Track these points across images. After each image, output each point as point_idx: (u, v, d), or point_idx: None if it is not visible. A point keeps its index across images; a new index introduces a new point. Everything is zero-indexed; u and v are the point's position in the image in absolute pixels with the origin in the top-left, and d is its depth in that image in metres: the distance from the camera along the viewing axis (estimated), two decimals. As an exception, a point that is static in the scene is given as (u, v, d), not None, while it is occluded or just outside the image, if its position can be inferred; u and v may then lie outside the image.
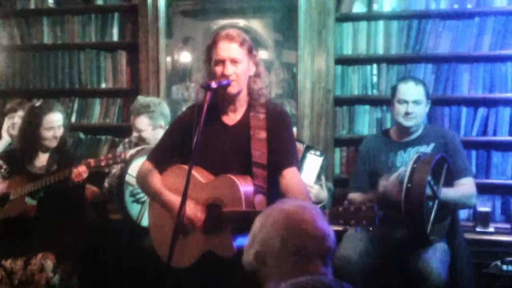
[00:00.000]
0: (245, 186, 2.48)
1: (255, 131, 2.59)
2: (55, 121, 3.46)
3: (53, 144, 3.48)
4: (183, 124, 2.69)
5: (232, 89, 2.56)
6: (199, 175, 2.62)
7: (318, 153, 3.60)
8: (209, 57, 2.61)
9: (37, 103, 3.55)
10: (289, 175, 2.53)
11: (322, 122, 4.15)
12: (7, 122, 4.18)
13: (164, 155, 2.75)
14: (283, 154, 2.57)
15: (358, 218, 2.15)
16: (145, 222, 3.44)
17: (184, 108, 5.17)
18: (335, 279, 1.59)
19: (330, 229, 1.72)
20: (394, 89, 3.42)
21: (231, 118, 2.67)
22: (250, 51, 2.61)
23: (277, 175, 2.54)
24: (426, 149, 3.31)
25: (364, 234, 3.21)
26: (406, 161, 3.30)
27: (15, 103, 4.32)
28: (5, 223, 3.36)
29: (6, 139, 4.10)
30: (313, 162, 3.55)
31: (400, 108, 3.33)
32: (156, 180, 2.72)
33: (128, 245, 3.53)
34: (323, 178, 3.55)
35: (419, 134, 3.38)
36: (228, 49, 2.54)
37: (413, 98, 3.31)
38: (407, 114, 3.30)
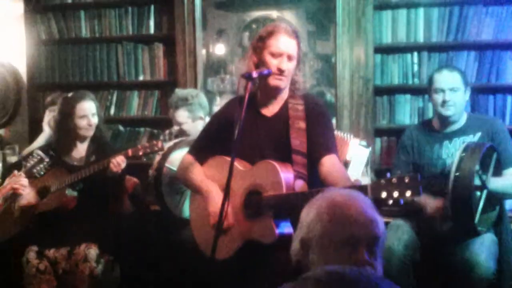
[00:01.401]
0: (285, 171, 2.48)
1: (294, 121, 2.58)
2: (87, 109, 3.45)
3: (89, 133, 3.49)
4: (223, 117, 2.71)
5: (282, 84, 2.58)
6: (239, 164, 2.62)
7: (364, 144, 3.54)
8: (261, 47, 2.58)
9: (69, 94, 3.57)
10: (328, 162, 2.51)
11: (362, 112, 4.10)
12: (47, 115, 4.23)
13: (205, 148, 2.78)
14: (322, 142, 2.56)
15: (401, 189, 2.06)
16: (183, 213, 3.46)
17: (218, 100, 5.22)
18: (381, 276, 1.50)
19: (378, 217, 1.66)
20: (430, 80, 3.37)
21: (270, 110, 2.68)
22: (299, 48, 2.62)
23: (317, 162, 2.53)
24: (473, 138, 3.23)
25: (409, 225, 3.16)
26: (452, 152, 3.23)
27: (55, 96, 4.36)
28: (47, 214, 3.37)
29: (47, 131, 4.15)
30: (360, 154, 3.48)
31: (438, 98, 3.26)
32: (197, 172, 2.75)
33: (167, 236, 3.53)
34: (369, 170, 3.47)
35: (463, 123, 3.30)
36: (288, 44, 2.55)
37: (449, 85, 3.23)
38: (444, 102, 3.22)
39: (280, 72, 2.52)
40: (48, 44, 4.88)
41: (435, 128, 3.37)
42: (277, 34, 2.55)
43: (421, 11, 4.04)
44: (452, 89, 3.22)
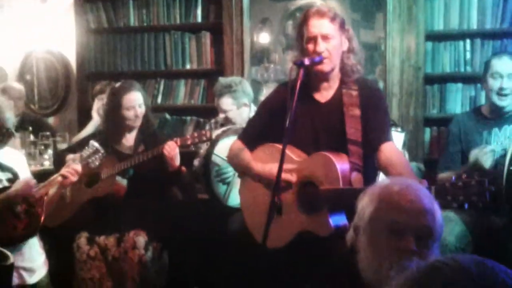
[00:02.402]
0: (341, 164, 2.43)
1: (349, 108, 2.53)
2: (134, 100, 3.47)
3: (136, 123, 3.51)
4: (274, 102, 2.67)
5: (324, 67, 2.52)
6: (292, 153, 2.58)
7: (399, 129, 3.48)
8: (301, 35, 2.57)
9: (116, 85, 3.59)
10: (387, 149, 2.46)
11: (412, 101, 4.02)
12: (96, 104, 4.29)
13: (255, 134, 2.75)
14: (379, 129, 2.51)
15: (467, 194, 1.99)
16: (231, 201, 3.45)
17: (264, 89, 5.19)
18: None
19: (435, 209, 1.59)
20: (487, 64, 3.25)
21: (323, 96, 2.62)
22: (342, 26, 2.55)
23: (373, 151, 2.48)
24: None
25: (460, 217, 3.06)
26: (501, 140, 3.13)
27: (104, 85, 4.42)
28: (97, 201, 3.41)
29: (96, 119, 4.21)
30: (395, 138, 3.43)
31: (494, 84, 3.14)
32: (247, 156, 2.72)
33: (214, 224, 3.49)
34: (406, 153, 3.41)
35: None
36: (319, 25, 2.49)
37: (508, 71, 3.11)
38: (501, 89, 3.11)
39: (318, 54, 2.47)
40: (97, 33, 4.93)
41: (485, 114, 3.26)
42: (308, 19, 2.52)
43: (474, -4, 3.93)
44: (510, 76, 3.10)
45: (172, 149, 3.24)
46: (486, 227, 3.00)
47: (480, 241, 3.01)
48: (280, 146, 2.34)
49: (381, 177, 2.68)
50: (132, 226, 3.30)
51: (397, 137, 3.41)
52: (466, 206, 2.04)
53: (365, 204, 1.63)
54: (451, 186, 2.04)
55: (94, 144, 3.21)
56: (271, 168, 2.54)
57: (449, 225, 3.00)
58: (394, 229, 1.54)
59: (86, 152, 3.19)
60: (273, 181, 2.36)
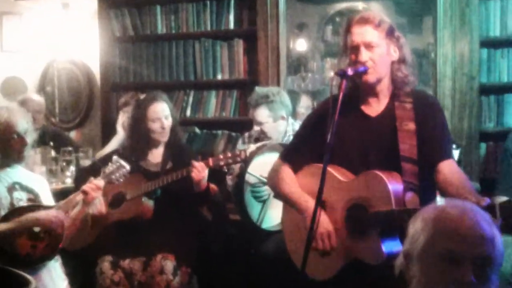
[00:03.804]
0: (394, 183, 2.39)
1: (402, 123, 2.49)
2: (160, 111, 3.51)
3: (164, 137, 3.54)
4: (319, 117, 2.64)
5: (369, 77, 2.49)
6: (338, 173, 2.55)
7: (454, 145, 3.44)
8: (345, 44, 2.56)
9: (141, 96, 3.65)
10: (446, 168, 2.43)
11: (465, 113, 4.00)
12: (121, 117, 4.33)
13: (298, 154, 2.72)
14: (437, 146, 2.48)
15: None
16: (266, 224, 3.47)
17: (301, 101, 5.19)
18: None
19: (496, 235, 1.58)
20: None
21: (374, 109, 2.58)
22: (390, 33, 2.52)
23: (431, 170, 2.45)
24: None
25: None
26: None
27: (129, 96, 4.47)
28: (123, 223, 3.44)
29: (121, 134, 4.24)
30: None
31: None
32: (289, 181, 2.70)
33: (248, 248, 3.55)
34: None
35: None
36: (362, 33, 2.48)
37: None
38: None
39: (362, 64, 2.45)
40: (122, 41, 5.00)
41: None
42: (350, 26, 2.51)
43: (535, -2, 3.90)
44: None
45: (201, 172, 3.26)
46: None
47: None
48: (328, 167, 2.32)
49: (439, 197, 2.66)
50: (159, 250, 3.32)
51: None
52: None
53: (418, 229, 1.62)
54: None
55: (118, 160, 3.25)
56: (307, 202, 2.56)
57: (507, 251, 2.97)
58: (451, 258, 1.54)
59: (109, 168, 3.22)
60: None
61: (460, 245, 1.54)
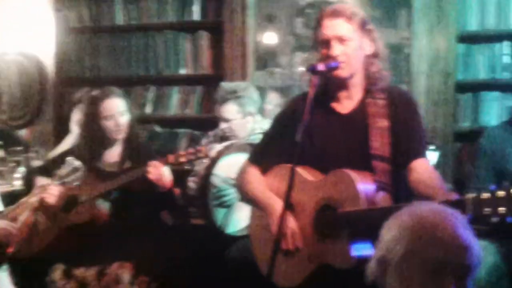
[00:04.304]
0: (363, 182, 2.40)
1: (375, 120, 2.51)
2: (114, 108, 3.46)
3: (119, 135, 3.50)
4: (288, 116, 2.67)
5: (342, 73, 2.50)
6: (307, 174, 2.56)
7: (432, 147, 3.46)
8: (316, 38, 2.57)
9: (94, 92, 3.62)
10: (419, 166, 2.45)
11: (440, 112, 4.05)
12: (76, 114, 4.26)
13: (267, 154, 2.74)
14: (410, 143, 2.50)
15: (510, 204, 1.95)
16: (231, 229, 3.46)
17: (268, 97, 5.18)
18: None
19: (474, 242, 1.59)
20: None
21: (345, 106, 2.60)
22: (362, 26, 2.53)
23: (403, 168, 2.46)
24: None
25: (494, 246, 3.03)
26: None
27: (85, 92, 4.39)
28: (75, 229, 3.38)
29: (75, 132, 4.18)
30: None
31: None
32: (257, 183, 2.72)
33: (211, 254, 3.48)
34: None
35: None
36: (333, 26, 2.49)
37: None
38: None
39: (334, 59, 2.47)
40: (78, 32, 4.95)
41: None
42: (321, 20, 2.53)
43: (514, -8, 3.97)
44: None
45: (157, 170, 3.22)
46: None
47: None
48: (298, 168, 2.34)
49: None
50: (115, 257, 3.28)
51: (430, 156, 3.37)
52: (509, 219, 1.99)
53: (396, 236, 1.61)
54: (489, 196, 2.00)
55: (72, 161, 3.19)
56: (274, 204, 2.57)
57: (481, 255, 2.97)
58: (432, 269, 1.55)
59: (63, 170, 3.16)
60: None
61: (442, 254, 1.54)
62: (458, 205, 2.04)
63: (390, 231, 1.64)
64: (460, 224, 1.59)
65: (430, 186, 2.33)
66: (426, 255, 1.55)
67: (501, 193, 1.98)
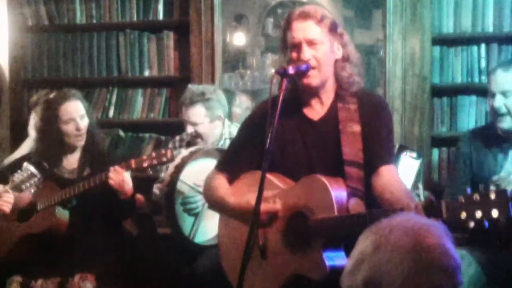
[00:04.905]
0: (336, 189, 2.42)
1: (346, 125, 2.55)
2: (73, 111, 3.45)
3: (80, 140, 3.49)
4: (257, 121, 2.67)
5: (312, 80, 2.53)
6: (278, 181, 2.59)
7: (414, 155, 3.50)
8: (285, 43, 2.59)
9: (51, 95, 3.60)
10: (386, 173, 2.48)
11: (416, 117, 4.07)
12: (34, 118, 4.20)
13: (236, 161, 2.75)
14: (380, 149, 2.53)
15: (486, 208, 2.00)
16: (199, 238, 3.47)
17: (237, 100, 5.19)
18: None
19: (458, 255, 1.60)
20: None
21: (316, 112, 2.63)
22: (332, 29, 2.56)
23: (371, 173, 2.49)
24: None
25: (473, 256, 3.09)
26: None
27: (43, 94, 4.35)
28: (33, 238, 3.37)
29: (33, 137, 4.11)
30: (408, 166, 3.47)
31: (488, 104, 3.23)
32: (228, 192, 2.71)
33: (178, 265, 3.53)
34: (420, 186, 3.43)
35: None
36: (304, 29, 2.52)
37: (500, 89, 3.12)
38: (495, 110, 3.13)
39: (304, 62, 2.49)
40: (35, 31, 4.89)
41: (499, 133, 3.24)
42: (290, 22, 2.55)
43: (490, -6, 4.02)
44: (505, 94, 3.12)
45: (118, 176, 3.21)
46: (505, 267, 3.02)
47: (500, 283, 3.03)
48: (267, 175, 2.33)
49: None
50: (76, 268, 3.27)
51: (411, 165, 3.42)
52: (486, 224, 2.04)
53: (391, 257, 1.56)
54: (466, 200, 2.04)
55: (29, 167, 3.17)
56: (248, 199, 2.53)
57: (462, 266, 3.00)
58: None
59: (18, 176, 3.15)
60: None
61: (441, 278, 1.54)
62: (434, 209, 2.10)
63: (380, 248, 1.59)
64: (448, 240, 1.60)
65: (395, 194, 2.36)
66: (426, 279, 1.54)
67: (477, 197, 2.02)
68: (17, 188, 3.12)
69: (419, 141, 4.04)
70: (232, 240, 2.68)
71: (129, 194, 3.30)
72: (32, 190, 3.16)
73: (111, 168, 3.23)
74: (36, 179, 3.17)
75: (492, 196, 2.00)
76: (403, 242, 1.57)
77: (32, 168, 3.16)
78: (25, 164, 3.22)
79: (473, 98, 4.04)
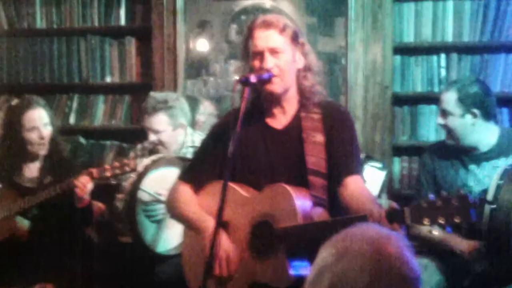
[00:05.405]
0: (300, 198, 2.45)
1: (309, 134, 2.57)
2: (37, 119, 3.46)
3: (42, 149, 3.50)
4: (221, 130, 2.69)
5: (275, 87, 2.55)
6: (242, 190, 2.60)
7: (379, 165, 3.54)
8: (247, 51, 2.61)
9: (14, 102, 3.59)
10: (352, 184, 2.50)
11: (378, 125, 4.14)
12: (-8, 125, 4.20)
13: (199, 170, 2.75)
14: (344, 159, 2.55)
15: (448, 213, 2.05)
16: (161, 247, 3.46)
17: (200, 107, 5.22)
18: None
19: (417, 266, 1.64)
20: None
21: (279, 121, 2.65)
22: (294, 39, 2.59)
23: (337, 184, 2.52)
24: (506, 161, 3.20)
25: (435, 264, 3.18)
26: (480, 178, 3.23)
27: (2, 101, 4.34)
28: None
29: (-10, 144, 4.12)
30: (373, 177, 3.50)
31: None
32: (188, 201, 2.72)
33: (140, 274, 3.52)
34: (384, 196, 3.48)
35: (494, 143, 3.27)
36: (266, 38, 2.53)
37: (442, 106, 3.25)
38: (441, 126, 3.27)
39: (266, 70, 2.50)
40: (-6, 36, 4.84)
41: (460, 149, 3.31)
42: (252, 30, 2.57)
43: (450, 4, 4.09)
44: (444, 112, 3.23)
45: (85, 185, 3.24)
46: (469, 274, 3.09)
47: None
48: (232, 185, 2.38)
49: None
50: (36, 277, 3.27)
51: (375, 176, 3.46)
52: (448, 230, 2.11)
53: (354, 266, 1.58)
54: (429, 206, 2.08)
55: None
56: (206, 221, 2.58)
57: (425, 275, 3.10)
58: None
59: None
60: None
61: (401, 287, 1.55)
62: (398, 215, 2.16)
63: (343, 258, 1.60)
64: (408, 250, 1.58)
65: (362, 203, 2.39)
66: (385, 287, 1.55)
67: (439, 202, 2.07)
68: None
69: (381, 150, 4.09)
70: (194, 249, 2.69)
71: (86, 203, 3.33)
72: None
73: (79, 179, 3.23)
74: None
75: (455, 202, 2.05)
76: (363, 250, 1.59)
77: None
78: None
79: (433, 107, 4.03)
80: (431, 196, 2.13)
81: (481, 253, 2.97)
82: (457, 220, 2.05)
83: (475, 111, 3.19)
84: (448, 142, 3.28)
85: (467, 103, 3.19)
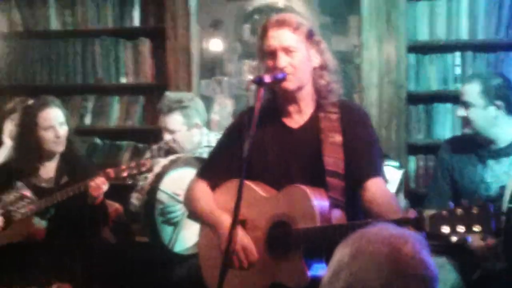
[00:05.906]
0: (319, 199, 2.44)
1: (328, 134, 2.54)
2: (52, 118, 3.48)
3: (58, 148, 3.51)
4: (237, 130, 2.69)
5: (289, 85, 2.53)
6: (260, 189, 2.60)
7: (396, 164, 3.52)
8: (261, 49, 2.60)
9: (30, 102, 3.60)
10: (373, 187, 2.48)
11: (393, 124, 4.14)
12: (8, 126, 4.21)
13: (216, 169, 2.74)
14: (364, 162, 2.52)
15: (469, 223, 2.03)
16: (178, 247, 3.48)
17: (215, 107, 5.24)
18: None
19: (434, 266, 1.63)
20: None
21: (295, 121, 2.63)
22: (309, 37, 2.58)
23: (357, 187, 2.51)
24: None
25: (452, 264, 3.18)
26: (498, 174, 3.22)
27: (18, 102, 4.34)
28: (10, 249, 3.37)
29: (8, 145, 4.11)
30: (390, 176, 3.44)
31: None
32: (205, 199, 2.72)
33: (158, 274, 3.53)
34: (401, 196, 3.48)
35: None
36: (279, 36, 2.52)
37: (463, 98, 3.24)
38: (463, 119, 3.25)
39: (280, 70, 2.49)
40: (9, 38, 4.89)
41: (478, 142, 3.31)
42: (265, 30, 2.56)
43: (464, 1, 4.09)
44: (465, 104, 3.22)
45: (99, 189, 3.27)
46: (483, 275, 3.08)
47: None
48: (249, 183, 2.37)
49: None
50: (53, 277, 3.29)
51: (392, 175, 3.42)
52: (468, 239, 2.13)
53: (369, 266, 1.60)
54: (448, 214, 2.07)
55: (22, 186, 3.26)
56: (223, 221, 2.57)
57: (441, 274, 3.09)
58: None
59: (10, 196, 3.23)
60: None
61: (417, 287, 1.56)
62: (416, 223, 2.14)
63: (357, 258, 1.62)
64: (426, 251, 1.61)
65: (383, 207, 2.38)
66: (402, 287, 1.55)
67: (459, 211, 2.05)
68: (7, 211, 3.18)
69: (396, 149, 4.09)
70: (211, 249, 2.67)
71: (99, 201, 3.35)
72: (22, 213, 3.23)
73: (96, 180, 3.25)
74: (27, 201, 3.22)
75: (475, 211, 2.03)
76: (380, 250, 1.60)
77: (23, 188, 3.23)
78: (19, 183, 3.29)
79: (449, 105, 4.09)
80: (451, 204, 2.11)
81: (498, 252, 2.97)
82: (476, 229, 2.04)
83: (499, 102, 3.18)
84: (465, 131, 3.27)
85: (491, 94, 3.19)
